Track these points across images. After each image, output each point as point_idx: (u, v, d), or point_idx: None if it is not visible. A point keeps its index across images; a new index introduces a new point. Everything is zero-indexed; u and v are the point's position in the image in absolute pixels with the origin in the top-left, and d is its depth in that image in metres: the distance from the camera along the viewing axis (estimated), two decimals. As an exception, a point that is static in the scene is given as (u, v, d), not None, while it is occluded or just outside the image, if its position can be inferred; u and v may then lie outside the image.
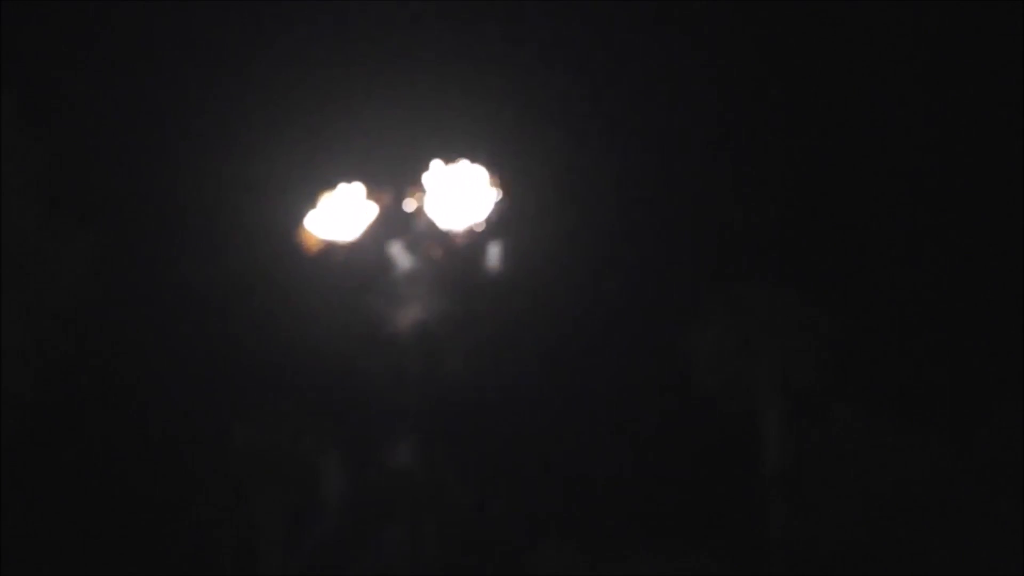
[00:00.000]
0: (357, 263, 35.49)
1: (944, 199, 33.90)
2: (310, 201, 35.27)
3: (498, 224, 35.64)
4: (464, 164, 35.56)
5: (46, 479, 30.46)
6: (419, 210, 35.50)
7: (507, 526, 32.52)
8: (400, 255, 35.61)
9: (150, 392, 31.68)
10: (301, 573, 31.45)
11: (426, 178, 35.52)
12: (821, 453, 32.28)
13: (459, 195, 35.56)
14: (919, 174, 34.03)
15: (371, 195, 35.53)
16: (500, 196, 35.50)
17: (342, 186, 35.32)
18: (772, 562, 32.04)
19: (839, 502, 31.71)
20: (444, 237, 35.59)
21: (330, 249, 35.28)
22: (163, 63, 33.80)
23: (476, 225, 35.61)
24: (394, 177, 35.60)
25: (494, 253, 35.71)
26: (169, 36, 33.84)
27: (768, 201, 34.41)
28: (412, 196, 35.50)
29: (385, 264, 35.52)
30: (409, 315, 34.98)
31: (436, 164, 35.33)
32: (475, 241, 35.74)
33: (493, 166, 35.71)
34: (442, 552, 32.17)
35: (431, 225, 35.61)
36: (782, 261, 33.98)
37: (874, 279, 33.76)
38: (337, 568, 31.86)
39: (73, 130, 31.91)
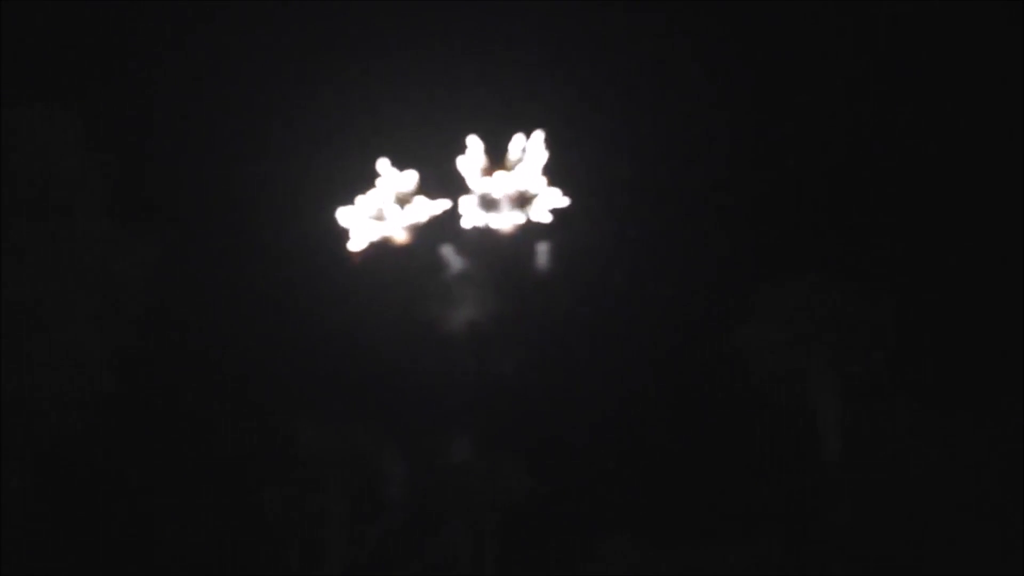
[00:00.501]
0: (411, 266, 36.29)
1: (1002, 194, 34.01)
2: (367, 205, 36.45)
3: (548, 224, 36.38)
4: (513, 166, 36.34)
5: (122, 472, 31.34)
6: (470, 213, 36.44)
7: (563, 518, 33.03)
8: (452, 257, 36.32)
9: (217, 391, 32.55)
10: (365, 566, 32.11)
11: (477, 180, 36.34)
12: (876, 445, 32.63)
13: (509, 197, 36.31)
14: (976, 169, 34.14)
15: (424, 199, 36.52)
16: (550, 197, 36.24)
17: (397, 190, 36.26)
18: (828, 551, 32.41)
19: (894, 493, 32.07)
20: (495, 238, 36.33)
21: (385, 252, 36.11)
22: (225, 75, 34.86)
23: (526, 225, 36.32)
24: (444, 181, 36.53)
25: (543, 252, 36.31)
26: (229, 49, 34.78)
27: (821, 196, 34.93)
28: (463, 199, 36.37)
29: (438, 266, 36.28)
30: (462, 315, 35.67)
31: (486, 166, 36.21)
32: (526, 241, 36.41)
33: (540, 168, 36.55)
34: (500, 544, 32.77)
35: (482, 227, 36.37)
36: (836, 255, 34.43)
37: (928, 272, 33.90)
38: (400, 562, 32.48)
39: (139, 141, 33.02)
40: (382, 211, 36.37)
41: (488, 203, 36.45)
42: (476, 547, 32.83)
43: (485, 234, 36.53)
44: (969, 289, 33.74)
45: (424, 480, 33.61)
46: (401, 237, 36.37)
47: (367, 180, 36.46)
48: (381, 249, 36.38)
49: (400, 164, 36.49)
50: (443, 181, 36.68)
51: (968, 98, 34.58)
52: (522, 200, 36.50)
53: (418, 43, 36.27)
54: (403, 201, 36.50)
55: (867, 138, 35.19)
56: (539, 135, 36.56)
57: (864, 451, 32.71)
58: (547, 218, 36.56)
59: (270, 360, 33.32)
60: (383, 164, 36.31)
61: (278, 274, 34.42)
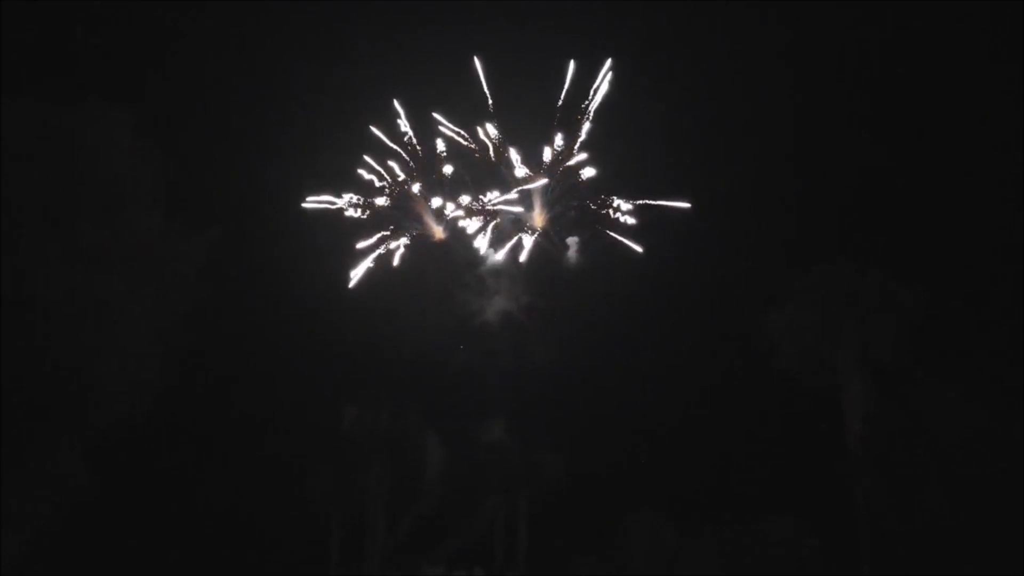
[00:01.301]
0: (450, 259, 37.57)
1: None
2: (406, 204, 37.58)
3: (576, 220, 37.42)
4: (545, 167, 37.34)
5: (173, 460, 33.10)
6: (502, 210, 37.59)
7: (594, 499, 34.13)
8: (488, 251, 37.55)
9: (263, 381, 33.92)
10: (405, 545, 33.70)
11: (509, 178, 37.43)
12: (904, 427, 32.98)
13: (541, 195, 37.43)
14: (998, 155, 34.15)
15: (459, 197, 37.56)
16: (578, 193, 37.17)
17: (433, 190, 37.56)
18: (857, 533, 32.98)
19: (922, 475, 32.42)
20: (529, 234, 37.48)
21: (425, 246, 37.42)
22: (274, 76, 35.83)
23: (556, 223, 37.38)
24: (479, 179, 37.47)
25: (574, 245, 37.28)
26: (276, 50, 35.76)
27: (849, 181, 35.14)
28: (496, 195, 37.52)
29: (474, 260, 37.54)
30: (498, 306, 36.93)
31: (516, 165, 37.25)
32: (556, 236, 37.44)
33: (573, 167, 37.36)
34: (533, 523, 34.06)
35: (516, 223, 37.54)
36: (864, 240, 34.72)
37: (956, 256, 34.14)
38: (439, 538, 33.97)
39: (189, 140, 34.25)
40: (422, 207, 37.66)
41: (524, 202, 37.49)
42: (509, 524, 34.15)
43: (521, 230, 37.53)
44: (1002, 272, 33.77)
45: (464, 459, 34.80)
46: (441, 234, 37.62)
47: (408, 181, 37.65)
48: (424, 244, 37.69)
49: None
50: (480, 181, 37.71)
51: (989, 97, 34.39)
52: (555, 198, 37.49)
53: (463, 43, 36.97)
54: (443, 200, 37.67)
55: (893, 133, 35.27)
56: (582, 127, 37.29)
57: (893, 433, 33.11)
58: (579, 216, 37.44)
59: (314, 352, 34.78)
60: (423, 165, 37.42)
61: (321, 269, 35.87)
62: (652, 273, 35.81)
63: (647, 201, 36.80)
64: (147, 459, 32.64)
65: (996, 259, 33.74)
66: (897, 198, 35.05)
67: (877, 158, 35.13)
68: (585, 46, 36.57)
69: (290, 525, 33.25)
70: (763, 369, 34.41)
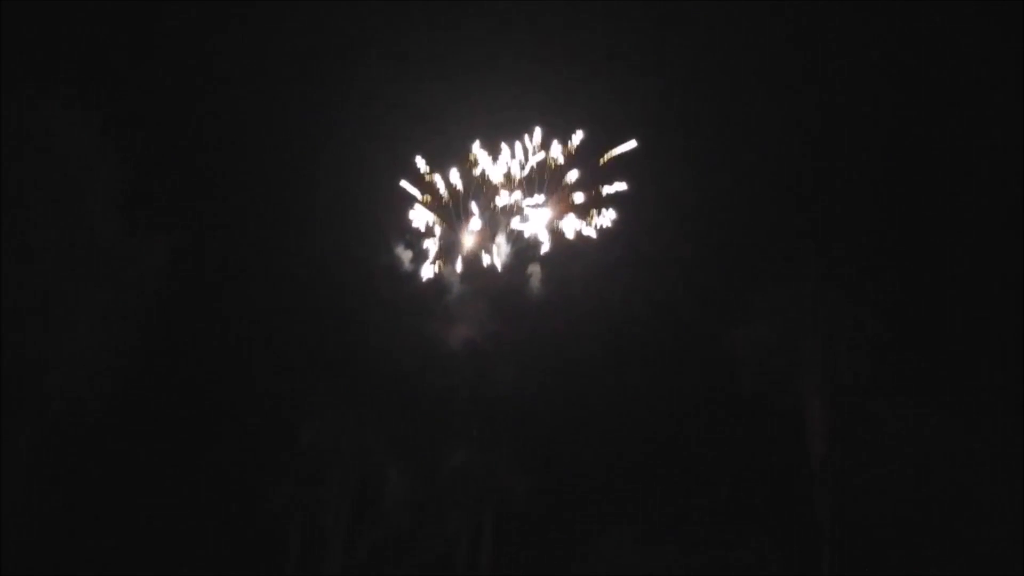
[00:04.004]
0: (417, 287, 37.29)
1: (989, 201, 34.50)
2: (376, 225, 37.29)
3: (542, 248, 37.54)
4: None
5: (122, 470, 32.02)
6: (473, 239, 37.55)
7: (560, 520, 33.72)
8: (454, 281, 37.42)
9: (221, 391, 33.24)
10: (365, 562, 32.83)
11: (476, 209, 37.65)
12: (864, 447, 33.18)
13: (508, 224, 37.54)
14: (961, 177, 34.77)
15: (430, 226, 37.52)
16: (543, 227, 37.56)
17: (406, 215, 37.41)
18: (818, 551, 32.91)
19: (882, 494, 32.59)
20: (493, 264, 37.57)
21: (393, 274, 37.17)
22: (238, 77, 35.48)
23: (520, 250, 37.53)
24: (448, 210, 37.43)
25: (535, 273, 37.39)
26: (242, 53, 35.43)
27: (812, 202, 35.64)
28: (465, 227, 37.52)
29: (441, 288, 37.35)
30: (462, 334, 36.76)
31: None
32: (518, 263, 37.56)
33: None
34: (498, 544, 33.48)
35: (482, 253, 37.60)
36: (824, 261, 35.04)
37: (916, 278, 34.44)
38: (398, 558, 33.17)
39: (150, 141, 33.73)
40: (393, 236, 37.53)
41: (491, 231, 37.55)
42: (473, 543, 33.54)
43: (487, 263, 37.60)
44: (962, 293, 34.31)
45: (427, 479, 34.22)
46: (409, 263, 37.50)
47: (382, 204, 37.55)
48: (391, 272, 37.44)
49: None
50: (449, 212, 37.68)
51: (960, 108, 35.26)
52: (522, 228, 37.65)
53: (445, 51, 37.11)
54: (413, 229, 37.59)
55: (861, 147, 35.93)
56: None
57: (852, 451, 33.28)
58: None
59: (275, 360, 34.13)
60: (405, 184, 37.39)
61: (287, 279, 35.28)
62: (615, 293, 35.90)
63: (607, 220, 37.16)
64: (95, 465, 31.56)
65: (959, 282, 34.19)
66: (862, 219, 35.41)
67: (843, 179, 35.71)
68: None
69: (246, 540, 32.27)
70: (726, 390, 34.41)
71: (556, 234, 37.34)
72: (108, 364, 30.80)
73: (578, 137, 37.28)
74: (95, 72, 33.62)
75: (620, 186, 37.08)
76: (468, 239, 37.55)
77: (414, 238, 37.45)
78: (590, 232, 37.10)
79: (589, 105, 36.88)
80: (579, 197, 37.49)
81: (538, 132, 37.45)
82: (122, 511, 31.60)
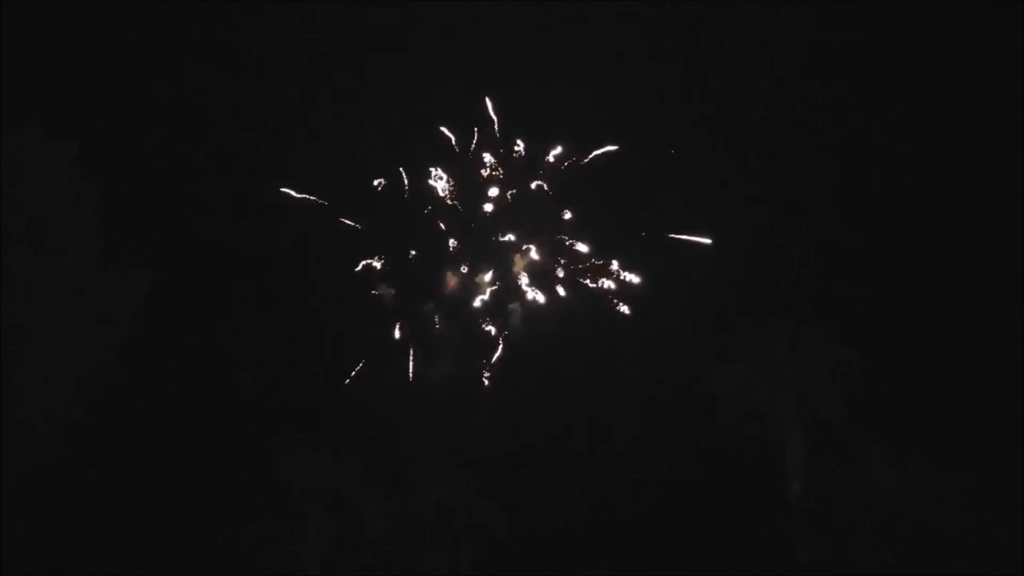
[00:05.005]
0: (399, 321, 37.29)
1: (977, 239, 34.53)
2: (357, 256, 37.36)
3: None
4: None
5: (97, 504, 31.70)
6: (453, 278, 37.58)
7: (538, 552, 33.57)
8: (436, 316, 37.51)
9: (199, 424, 33.12)
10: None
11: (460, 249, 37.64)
12: (844, 485, 33.13)
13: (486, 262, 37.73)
14: (948, 213, 34.74)
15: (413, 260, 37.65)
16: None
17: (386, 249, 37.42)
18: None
19: (861, 532, 32.53)
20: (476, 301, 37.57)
21: (377, 306, 37.16)
22: (217, 108, 35.50)
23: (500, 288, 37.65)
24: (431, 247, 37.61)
25: (516, 312, 37.48)
26: (217, 84, 35.48)
27: (795, 239, 35.72)
28: (447, 271, 37.59)
29: (423, 322, 37.37)
30: (442, 369, 36.77)
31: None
32: (499, 301, 37.63)
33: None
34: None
35: (464, 290, 37.57)
36: (806, 299, 35.14)
37: (897, 316, 34.59)
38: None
39: (128, 175, 33.68)
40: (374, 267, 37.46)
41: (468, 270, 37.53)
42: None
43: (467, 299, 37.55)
44: (944, 332, 34.29)
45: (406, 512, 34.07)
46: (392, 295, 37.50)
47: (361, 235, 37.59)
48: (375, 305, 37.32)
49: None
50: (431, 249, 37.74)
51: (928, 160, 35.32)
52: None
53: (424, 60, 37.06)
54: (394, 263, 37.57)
55: (842, 182, 36.02)
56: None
57: (834, 490, 33.22)
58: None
59: (256, 390, 34.01)
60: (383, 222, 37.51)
61: (266, 313, 35.16)
62: (596, 330, 35.94)
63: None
64: (64, 500, 31.17)
65: (937, 318, 34.26)
66: (841, 256, 35.49)
67: (823, 217, 35.77)
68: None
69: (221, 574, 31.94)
70: (705, 426, 34.38)
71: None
72: (83, 395, 30.51)
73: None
74: (72, 101, 33.54)
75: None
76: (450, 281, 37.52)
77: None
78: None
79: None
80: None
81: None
82: (94, 548, 31.25)
